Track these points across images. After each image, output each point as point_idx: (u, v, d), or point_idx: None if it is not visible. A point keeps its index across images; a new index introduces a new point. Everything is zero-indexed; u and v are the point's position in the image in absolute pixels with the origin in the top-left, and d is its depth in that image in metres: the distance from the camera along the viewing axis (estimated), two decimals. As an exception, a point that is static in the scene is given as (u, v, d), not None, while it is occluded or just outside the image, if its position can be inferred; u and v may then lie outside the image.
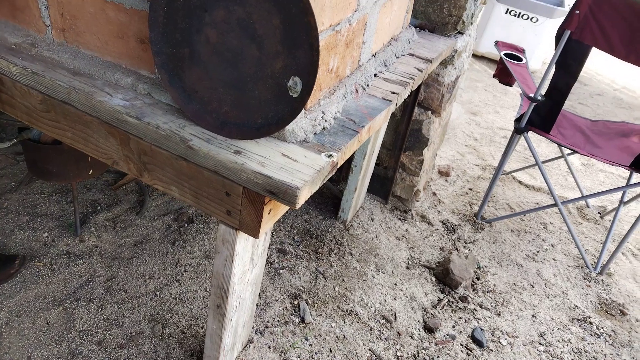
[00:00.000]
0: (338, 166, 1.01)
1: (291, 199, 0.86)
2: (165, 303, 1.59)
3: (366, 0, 1.15)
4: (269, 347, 1.51)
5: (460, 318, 1.78)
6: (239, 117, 0.95)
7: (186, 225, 1.92)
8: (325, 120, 1.05)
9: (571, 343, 1.77)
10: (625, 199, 2.32)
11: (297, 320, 1.62)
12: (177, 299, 1.61)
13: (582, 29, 1.75)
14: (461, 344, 1.68)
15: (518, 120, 2.07)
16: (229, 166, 0.90)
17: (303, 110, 1.02)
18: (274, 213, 0.98)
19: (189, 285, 1.67)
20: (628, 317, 1.93)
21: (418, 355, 1.61)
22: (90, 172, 1.68)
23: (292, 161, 0.92)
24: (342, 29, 1.07)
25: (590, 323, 1.87)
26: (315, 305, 1.69)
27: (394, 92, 1.27)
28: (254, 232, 0.96)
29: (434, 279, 1.93)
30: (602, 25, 1.71)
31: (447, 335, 1.71)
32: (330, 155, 0.97)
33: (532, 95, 1.95)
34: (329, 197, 2.23)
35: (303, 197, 0.88)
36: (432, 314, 1.77)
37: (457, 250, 2.10)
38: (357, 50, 1.21)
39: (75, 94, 1.02)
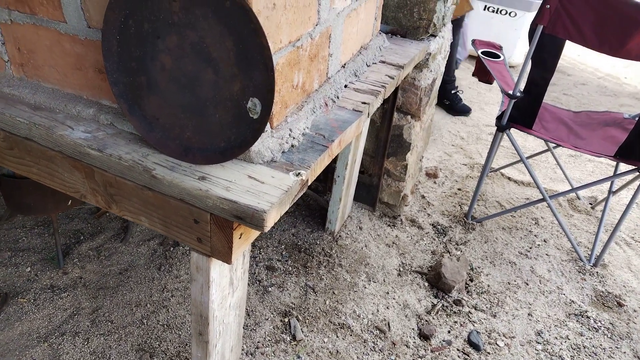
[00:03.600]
0: (309, 184, 1.00)
1: (258, 223, 0.84)
2: (153, 331, 1.56)
3: (328, 12, 1.13)
4: (261, 368, 1.49)
5: (456, 322, 1.76)
6: (202, 142, 0.93)
7: (172, 248, 1.90)
8: (294, 138, 1.03)
9: (569, 339, 1.75)
10: (614, 189, 2.31)
11: (288, 339, 1.60)
12: (165, 326, 1.58)
13: (554, 23, 1.74)
14: (458, 349, 1.66)
15: (499, 118, 2.05)
16: (194, 193, 0.88)
17: (269, 129, 1.00)
18: (245, 237, 0.96)
19: (176, 311, 1.64)
20: (625, 308, 1.91)
21: (414, 364, 1.59)
22: (70, 202, 1.66)
23: (259, 183, 0.90)
24: (304, 43, 1.05)
25: (588, 317, 1.84)
26: (307, 321, 1.67)
27: (364, 103, 1.25)
28: (226, 258, 0.94)
29: (426, 284, 1.91)
30: (574, 18, 1.70)
31: (443, 341, 1.69)
32: (299, 173, 0.95)
33: (510, 92, 1.94)
34: (315, 209, 2.21)
35: (271, 220, 0.86)
36: (426, 321, 1.75)
37: (449, 253, 2.08)
38: (323, 63, 1.20)
39: (36, 130, 1.00)
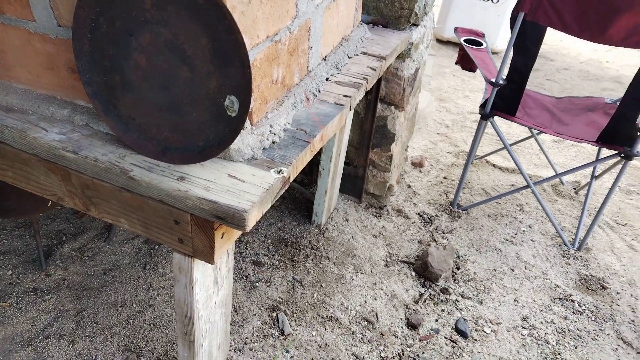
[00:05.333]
0: (290, 180, 0.98)
1: (240, 223, 0.83)
2: (139, 330, 1.55)
3: (306, 5, 1.11)
4: (250, 364, 1.49)
5: (443, 310, 1.77)
6: (180, 141, 0.91)
7: (157, 247, 1.88)
8: (274, 134, 1.02)
9: (554, 323, 1.77)
10: (597, 173, 2.34)
11: (276, 333, 1.59)
12: (152, 325, 1.57)
13: (535, 10, 1.74)
14: (445, 337, 1.67)
15: (483, 106, 2.06)
16: (173, 194, 0.86)
17: (249, 126, 0.99)
18: (228, 236, 0.95)
19: (163, 309, 1.63)
20: (609, 291, 1.94)
21: (403, 354, 1.60)
22: (50, 204, 1.62)
23: (239, 182, 0.89)
24: (282, 38, 1.04)
25: (572, 301, 1.87)
26: (295, 315, 1.67)
27: (346, 96, 1.24)
28: (209, 259, 0.93)
29: (413, 273, 1.92)
30: (555, 5, 1.70)
31: (431, 329, 1.70)
32: (280, 170, 0.94)
33: (493, 80, 1.94)
34: (302, 202, 2.20)
35: (253, 219, 0.85)
36: (414, 310, 1.76)
37: (436, 242, 2.09)
38: (303, 57, 1.18)
39: (8, 133, 0.97)
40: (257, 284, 1.76)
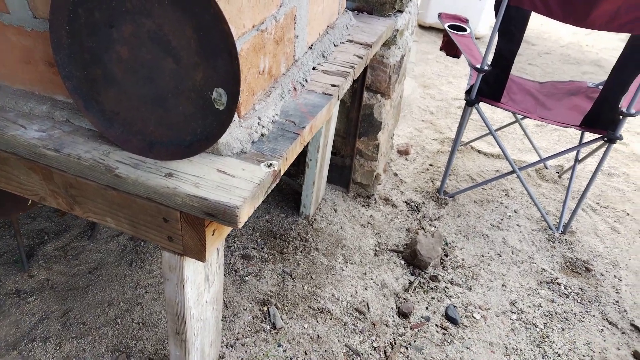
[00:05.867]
0: (281, 174, 0.96)
1: (231, 219, 0.81)
2: (128, 330, 1.52)
3: (292, -8, 1.08)
4: (242, 359, 1.47)
5: (433, 298, 1.78)
6: (167, 135, 0.88)
7: (142, 243, 1.84)
8: (263, 126, 0.99)
9: (542, 307, 1.80)
10: (580, 157, 2.37)
11: (268, 327, 1.58)
12: (141, 324, 1.54)
13: (520, -5, 1.73)
14: (436, 324, 1.68)
15: (468, 92, 2.05)
16: (161, 191, 0.84)
17: (237, 119, 0.96)
18: (219, 233, 0.93)
19: (151, 307, 1.60)
20: (593, 273, 1.97)
21: (395, 343, 1.60)
22: (30, 202, 1.57)
23: (229, 177, 0.87)
24: (269, 27, 1.01)
25: (558, 284, 1.90)
26: (286, 308, 1.66)
27: (334, 85, 1.22)
28: (200, 256, 0.90)
29: (403, 262, 1.92)
30: (538, -10, 1.69)
31: (422, 317, 1.71)
32: (271, 164, 0.91)
33: (478, 66, 1.94)
34: (289, 193, 2.17)
35: (244, 215, 0.83)
36: (404, 299, 1.76)
37: (423, 229, 2.10)
38: (290, 46, 1.15)
39: (-16, 131, 0.93)
40: (246, 278, 1.74)
